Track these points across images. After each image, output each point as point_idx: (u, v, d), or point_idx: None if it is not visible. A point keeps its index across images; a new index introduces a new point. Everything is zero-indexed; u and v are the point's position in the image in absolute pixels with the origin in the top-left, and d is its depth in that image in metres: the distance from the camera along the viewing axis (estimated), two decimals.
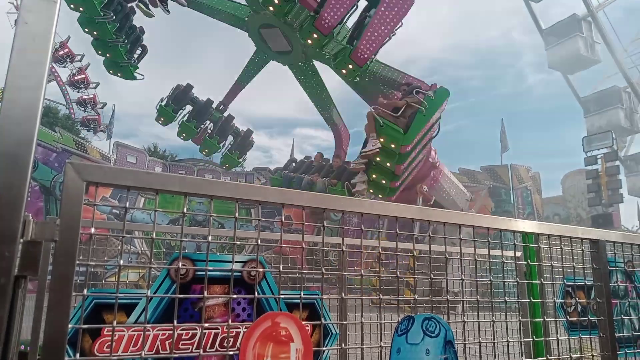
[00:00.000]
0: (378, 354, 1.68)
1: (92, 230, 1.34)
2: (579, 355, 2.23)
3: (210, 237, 1.57)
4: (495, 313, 1.98)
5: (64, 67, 29.80)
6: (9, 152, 1.09)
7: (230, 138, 21.92)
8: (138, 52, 17.90)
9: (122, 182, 1.29)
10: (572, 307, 2.61)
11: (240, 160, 22.68)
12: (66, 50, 29.68)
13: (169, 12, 16.18)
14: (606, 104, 38.85)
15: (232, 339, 1.69)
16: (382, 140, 11.76)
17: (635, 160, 36.59)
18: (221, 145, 21.27)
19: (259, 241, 1.69)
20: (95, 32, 15.50)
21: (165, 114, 19.71)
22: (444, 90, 12.75)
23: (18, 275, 1.09)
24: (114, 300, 1.42)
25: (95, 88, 30.82)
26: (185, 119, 19.94)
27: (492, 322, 1.98)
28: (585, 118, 40.48)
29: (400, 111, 11.80)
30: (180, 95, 19.79)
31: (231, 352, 1.54)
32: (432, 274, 1.86)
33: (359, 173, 12.70)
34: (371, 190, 13.31)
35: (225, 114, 21.39)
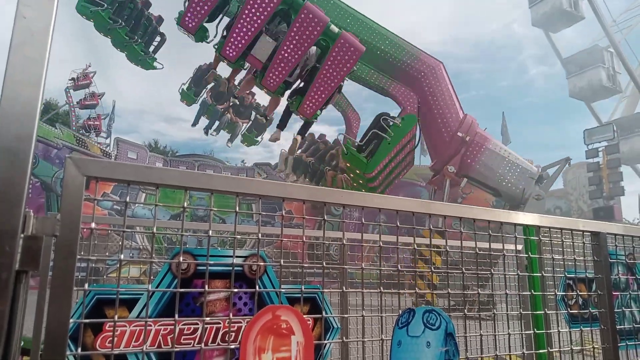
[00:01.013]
0: (379, 347, 1.68)
1: (93, 225, 1.34)
2: (580, 348, 2.24)
3: (211, 232, 1.57)
4: (497, 305, 1.98)
5: (88, 137, 28.99)
6: (9, 147, 1.09)
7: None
8: (156, 42, 16.56)
9: (122, 176, 1.29)
10: (573, 300, 2.62)
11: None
12: (97, 123, 29.34)
13: None
14: (588, 64, 38.62)
15: (233, 334, 1.69)
16: (348, 165, 12.65)
17: (621, 126, 36.30)
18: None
19: (260, 236, 1.69)
20: (109, 37, 15.19)
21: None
22: (411, 117, 13.15)
23: (19, 270, 1.09)
24: (116, 296, 1.42)
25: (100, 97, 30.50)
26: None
27: (493, 315, 1.99)
28: (567, 79, 40.34)
29: (366, 139, 12.53)
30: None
31: (232, 346, 1.54)
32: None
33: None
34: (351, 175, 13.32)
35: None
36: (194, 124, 18.38)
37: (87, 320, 1.45)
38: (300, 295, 1.76)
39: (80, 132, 27.70)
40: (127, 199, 1.40)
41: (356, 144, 12.76)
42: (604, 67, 38.16)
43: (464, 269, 1.87)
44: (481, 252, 1.98)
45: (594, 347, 2.24)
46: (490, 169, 15.16)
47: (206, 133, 18.52)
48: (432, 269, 2.16)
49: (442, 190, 15.71)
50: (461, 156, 14.95)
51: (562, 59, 40.94)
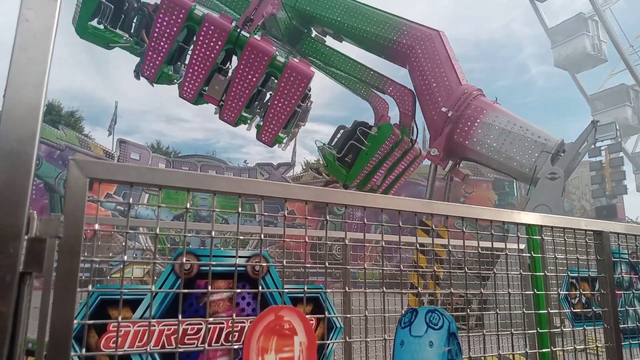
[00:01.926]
0: (382, 346, 1.68)
1: (96, 226, 1.34)
2: (583, 347, 2.23)
3: (213, 233, 1.58)
4: (500, 306, 1.98)
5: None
6: (12, 149, 1.10)
7: None
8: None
9: (125, 178, 1.30)
10: (577, 299, 2.61)
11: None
12: None
13: None
14: (573, 32, 39.18)
15: (236, 334, 1.70)
16: (329, 177, 12.98)
17: (605, 98, 36.55)
18: None
19: (263, 236, 1.69)
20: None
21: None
22: (387, 125, 12.56)
23: (23, 271, 1.10)
24: (119, 296, 1.42)
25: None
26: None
27: (496, 314, 1.98)
28: (552, 49, 40.89)
29: (344, 150, 12.44)
30: None
31: (236, 346, 1.54)
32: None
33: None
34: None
35: None
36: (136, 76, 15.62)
37: (91, 321, 1.45)
38: (303, 295, 1.76)
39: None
40: (131, 200, 1.40)
41: (335, 154, 12.69)
42: (589, 35, 38.63)
43: (466, 268, 1.87)
44: (483, 251, 1.98)
45: (597, 346, 2.24)
46: (487, 146, 12.12)
47: (152, 85, 15.15)
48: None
49: (427, 179, 14.07)
50: (446, 135, 12.47)
51: (548, 29, 41.32)
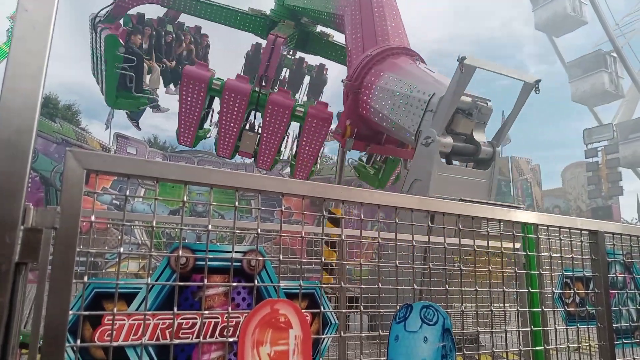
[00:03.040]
0: (377, 342, 1.69)
1: (92, 218, 1.34)
2: (576, 346, 2.25)
3: (210, 227, 1.58)
4: (494, 303, 1.98)
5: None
6: (9, 140, 1.09)
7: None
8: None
9: (122, 170, 1.30)
10: (571, 298, 2.62)
11: None
12: None
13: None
14: None
15: (231, 328, 1.70)
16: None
17: (620, 129, 36.73)
18: None
19: (259, 231, 1.69)
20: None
21: None
22: None
23: (19, 262, 1.10)
24: (114, 289, 1.42)
25: None
26: None
27: (490, 312, 1.99)
28: (533, 12, 42.65)
29: (372, 161, 13.44)
30: None
31: (230, 340, 1.55)
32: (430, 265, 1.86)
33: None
34: None
35: None
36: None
37: (86, 312, 1.45)
38: (298, 290, 1.76)
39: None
40: (127, 193, 1.40)
41: (364, 163, 13.57)
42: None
43: (461, 266, 1.87)
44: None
45: (590, 345, 2.25)
46: (381, 115, 9.39)
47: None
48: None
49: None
50: (348, 109, 10.33)
51: None
